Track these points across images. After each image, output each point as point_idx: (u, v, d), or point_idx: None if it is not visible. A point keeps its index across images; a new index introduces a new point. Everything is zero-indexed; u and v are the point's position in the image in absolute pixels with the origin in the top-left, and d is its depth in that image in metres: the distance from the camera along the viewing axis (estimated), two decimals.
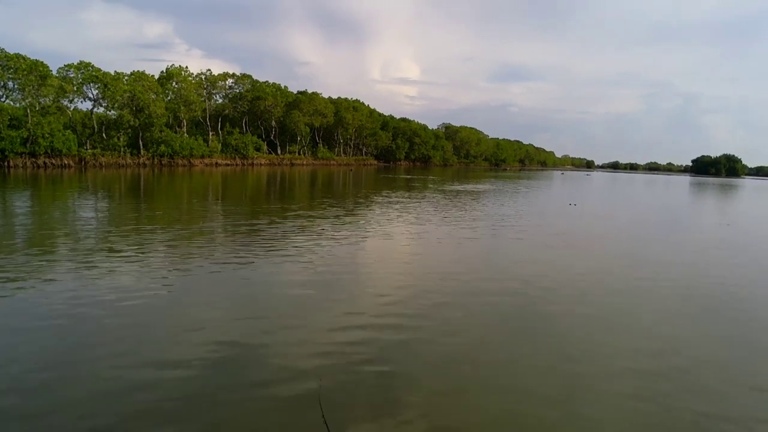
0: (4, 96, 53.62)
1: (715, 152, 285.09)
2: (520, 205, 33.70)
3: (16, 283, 10.31)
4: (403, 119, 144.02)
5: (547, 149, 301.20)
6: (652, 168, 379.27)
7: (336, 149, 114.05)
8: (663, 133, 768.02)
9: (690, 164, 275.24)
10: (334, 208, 26.03)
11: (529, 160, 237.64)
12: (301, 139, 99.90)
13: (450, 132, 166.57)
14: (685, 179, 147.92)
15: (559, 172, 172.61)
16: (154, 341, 7.72)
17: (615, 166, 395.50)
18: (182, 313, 9.05)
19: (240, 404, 5.97)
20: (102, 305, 9.16)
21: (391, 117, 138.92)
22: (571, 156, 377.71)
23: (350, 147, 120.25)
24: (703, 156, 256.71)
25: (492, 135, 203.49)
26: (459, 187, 49.69)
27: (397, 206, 28.53)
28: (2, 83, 52.81)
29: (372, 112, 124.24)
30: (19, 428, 5.36)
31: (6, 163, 50.86)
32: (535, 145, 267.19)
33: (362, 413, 5.93)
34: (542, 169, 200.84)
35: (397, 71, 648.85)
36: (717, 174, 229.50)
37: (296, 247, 15.23)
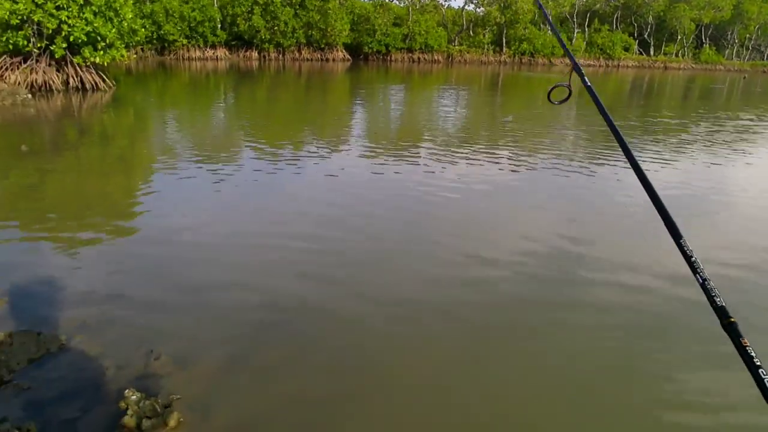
0: None
1: None
2: None
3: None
4: None
5: None
6: None
7: (727, 51, 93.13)
8: None
9: None
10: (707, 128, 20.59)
11: None
12: (681, 39, 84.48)
13: None
14: None
15: None
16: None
17: None
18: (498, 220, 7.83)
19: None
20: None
21: None
22: None
23: (746, 49, 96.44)
24: None
25: None
26: None
27: None
28: None
29: None
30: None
31: (389, 57, 58.07)
32: None
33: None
34: None
35: None
36: None
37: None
